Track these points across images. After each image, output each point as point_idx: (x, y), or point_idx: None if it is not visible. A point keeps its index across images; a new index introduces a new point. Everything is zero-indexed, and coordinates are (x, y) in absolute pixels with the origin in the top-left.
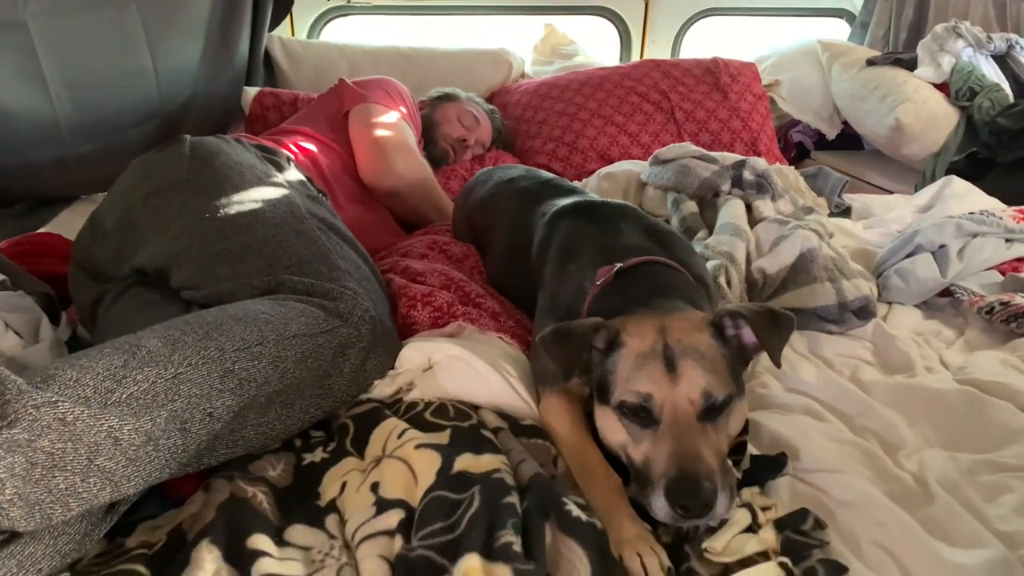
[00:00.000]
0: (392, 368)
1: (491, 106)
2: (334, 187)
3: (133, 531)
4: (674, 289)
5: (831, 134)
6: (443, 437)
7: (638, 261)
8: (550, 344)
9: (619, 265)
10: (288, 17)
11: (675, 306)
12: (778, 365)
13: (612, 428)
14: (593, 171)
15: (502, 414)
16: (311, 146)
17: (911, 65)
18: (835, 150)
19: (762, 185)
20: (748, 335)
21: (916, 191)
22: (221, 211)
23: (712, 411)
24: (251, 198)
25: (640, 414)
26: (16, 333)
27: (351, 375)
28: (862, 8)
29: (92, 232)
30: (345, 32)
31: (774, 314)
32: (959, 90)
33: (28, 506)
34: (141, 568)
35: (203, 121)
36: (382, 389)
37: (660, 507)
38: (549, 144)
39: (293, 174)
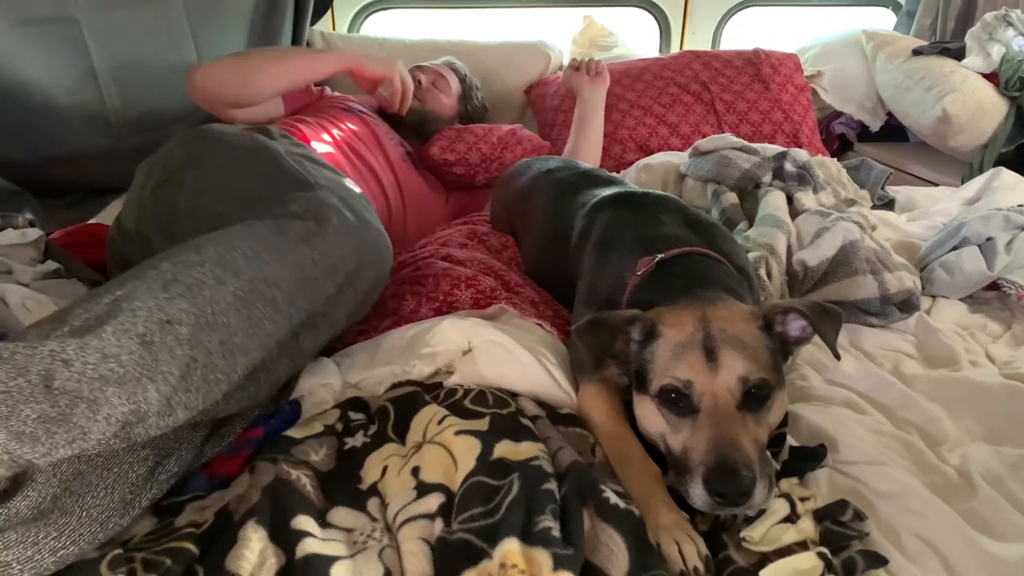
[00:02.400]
0: (381, 268)
1: (475, 79)
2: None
3: (182, 511)
4: (716, 279)
5: (875, 126)
6: (482, 424)
7: (679, 252)
8: (583, 334)
9: (660, 256)
10: (329, 11)
11: (717, 296)
12: (838, 357)
13: (651, 417)
14: (632, 162)
15: (540, 402)
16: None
17: (959, 55)
18: (879, 142)
19: (803, 177)
20: (794, 329)
21: (963, 183)
22: (218, 178)
23: (752, 401)
24: (243, 160)
25: (679, 402)
26: None
27: (327, 268)
28: None
29: (119, 234)
30: (385, 26)
31: (826, 308)
32: (1008, 80)
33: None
34: (190, 545)
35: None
36: (421, 369)
37: (698, 495)
38: None
39: (280, 136)
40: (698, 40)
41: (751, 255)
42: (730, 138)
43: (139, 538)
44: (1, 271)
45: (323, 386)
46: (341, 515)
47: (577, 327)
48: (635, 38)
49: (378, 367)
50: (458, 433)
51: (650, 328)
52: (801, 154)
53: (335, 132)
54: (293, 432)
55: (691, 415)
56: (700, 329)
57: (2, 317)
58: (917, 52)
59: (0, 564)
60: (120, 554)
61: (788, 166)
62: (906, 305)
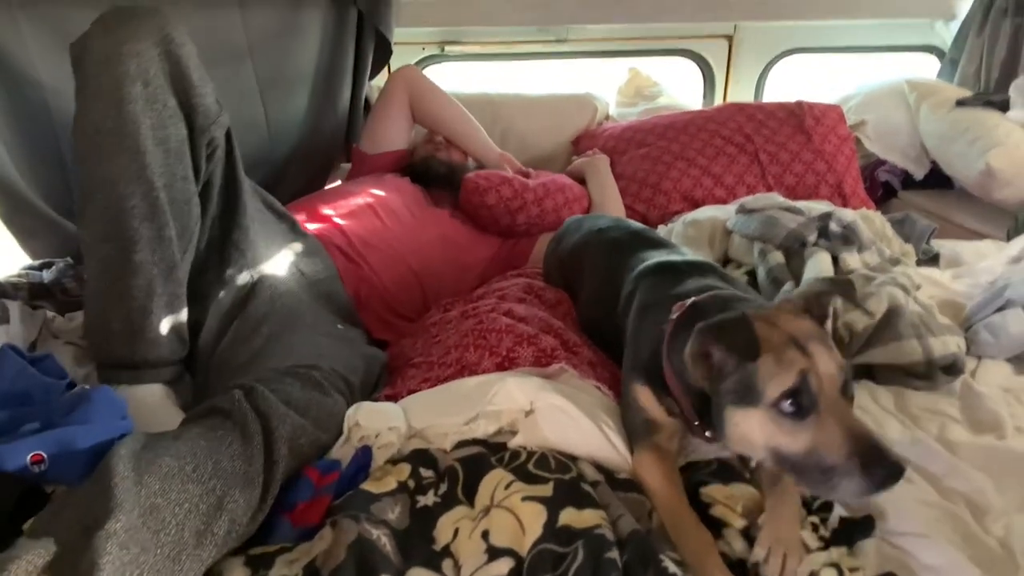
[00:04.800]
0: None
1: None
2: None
3: (273, 564)
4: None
5: (919, 174)
6: (547, 490)
7: (711, 294)
8: (714, 339)
9: (693, 299)
10: (386, 67)
11: (760, 306)
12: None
13: (764, 429)
14: (676, 212)
15: (598, 466)
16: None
17: (1003, 107)
18: (923, 189)
19: (848, 237)
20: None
21: (1008, 235)
22: None
23: (847, 387)
24: None
25: (801, 403)
26: None
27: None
28: (952, 45)
29: None
30: (439, 78)
31: (836, 281)
32: None
33: None
34: None
35: (306, 168)
36: (485, 427)
37: (857, 487)
38: (633, 185)
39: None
40: (742, 89)
41: None
42: (776, 198)
43: None
44: None
45: (390, 429)
46: (418, 575)
47: (702, 332)
48: (680, 88)
49: (443, 416)
50: (525, 499)
51: None
52: (846, 214)
53: (366, 200)
54: (370, 486)
55: (811, 414)
56: (782, 330)
57: None
58: (961, 103)
59: None
60: None
61: (833, 226)
62: (951, 369)
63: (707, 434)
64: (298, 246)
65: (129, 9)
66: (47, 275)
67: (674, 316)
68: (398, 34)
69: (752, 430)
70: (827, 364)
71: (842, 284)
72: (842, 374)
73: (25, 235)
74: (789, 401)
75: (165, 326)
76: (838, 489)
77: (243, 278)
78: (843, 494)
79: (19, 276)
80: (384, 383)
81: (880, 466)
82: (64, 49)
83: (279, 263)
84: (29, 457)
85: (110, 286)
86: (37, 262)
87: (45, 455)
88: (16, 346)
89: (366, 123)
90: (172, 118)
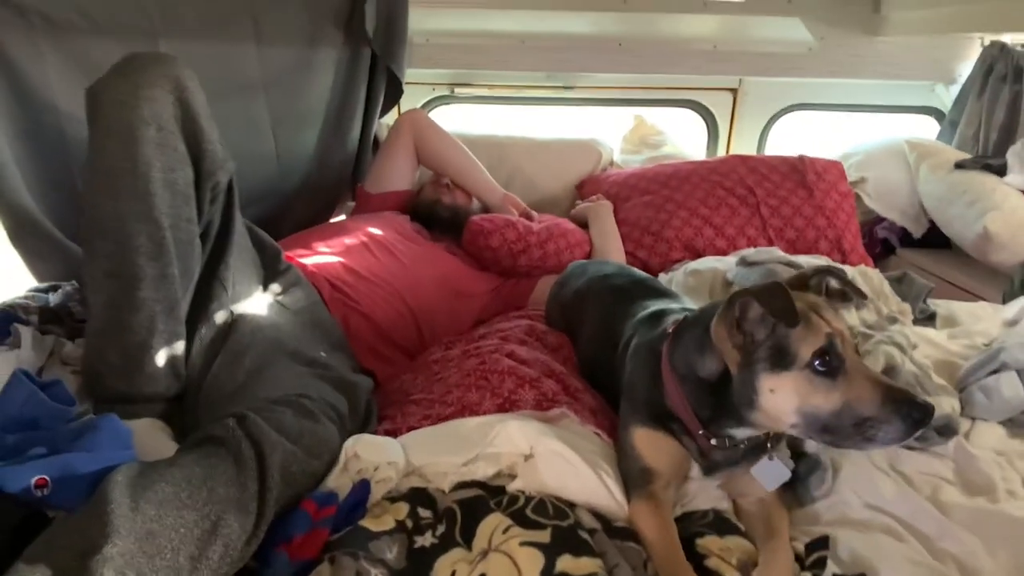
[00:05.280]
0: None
1: None
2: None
3: None
4: None
5: (917, 233)
6: (544, 536)
7: (706, 304)
8: (754, 303)
9: (687, 314)
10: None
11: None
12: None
13: (796, 392)
14: (677, 260)
15: (596, 513)
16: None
17: (1001, 170)
18: (922, 247)
19: (846, 294)
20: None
21: (1004, 298)
22: None
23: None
24: None
25: (831, 362)
26: None
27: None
28: (952, 107)
29: None
30: (446, 119)
31: (830, 267)
32: None
33: None
34: None
35: (313, 202)
36: (485, 469)
37: (894, 431)
38: (635, 232)
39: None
40: (745, 140)
41: None
42: (776, 252)
43: None
44: None
45: (389, 464)
46: None
47: (749, 294)
48: (684, 137)
49: (442, 455)
50: (522, 544)
51: None
52: (845, 271)
53: (361, 238)
54: (368, 523)
55: (838, 374)
56: (800, 300)
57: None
58: (960, 165)
59: None
60: None
61: (832, 282)
62: (945, 430)
63: (713, 441)
64: (279, 279)
65: (147, 55)
66: (53, 298)
67: (670, 329)
68: (409, 74)
69: (787, 393)
70: (843, 327)
71: (835, 269)
72: (852, 337)
73: (33, 257)
74: (819, 361)
75: (162, 362)
76: (876, 439)
77: (224, 313)
78: (883, 442)
79: (27, 298)
80: (375, 413)
81: (913, 408)
82: (83, 77)
83: (259, 297)
84: (34, 481)
85: (112, 321)
86: (44, 284)
87: (49, 479)
88: (27, 371)
89: (372, 163)
90: (181, 162)
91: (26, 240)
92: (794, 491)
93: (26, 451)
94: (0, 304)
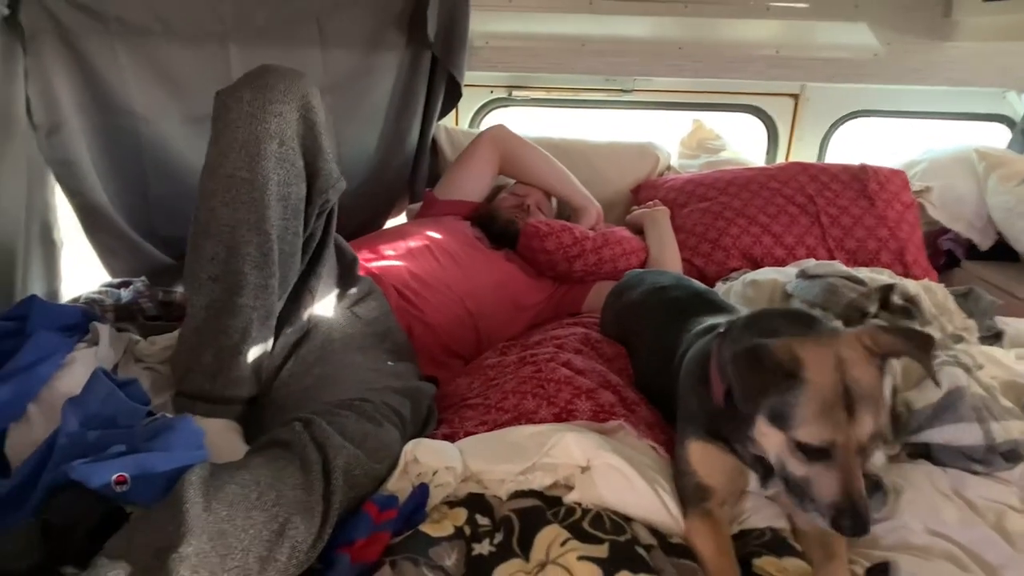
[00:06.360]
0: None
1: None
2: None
3: None
4: (809, 318)
5: (984, 245)
6: (602, 551)
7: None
8: (742, 366)
9: (733, 317)
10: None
11: (834, 329)
12: (938, 383)
13: (778, 449)
14: (734, 269)
15: (652, 529)
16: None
17: None
18: (988, 260)
19: (909, 311)
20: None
21: None
22: None
23: (872, 444)
24: None
25: (817, 457)
26: None
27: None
28: (1023, 115)
29: None
30: (504, 122)
31: (915, 334)
32: None
33: None
34: None
35: (371, 203)
36: (542, 480)
37: (820, 523)
38: (692, 239)
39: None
40: (806, 147)
41: None
42: (838, 266)
43: None
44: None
45: (447, 469)
46: None
47: (736, 356)
48: (743, 142)
49: (499, 463)
50: (580, 558)
51: (794, 368)
52: (909, 286)
53: (425, 242)
54: (428, 528)
55: (823, 460)
56: (840, 380)
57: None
58: None
59: None
60: None
61: (895, 299)
62: (1012, 455)
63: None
64: (354, 289)
65: (278, 69)
66: (125, 294)
67: (722, 330)
68: (467, 76)
69: (771, 445)
70: (863, 430)
71: (921, 339)
72: (872, 441)
73: (106, 253)
74: (807, 447)
75: (250, 368)
76: (808, 515)
77: (306, 322)
78: (809, 520)
79: (100, 294)
80: (435, 417)
81: (852, 524)
82: (156, 80)
83: (335, 307)
84: (114, 477)
85: (210, 322)
86: (116, 280)
87: (128, 476)
88: (105, 369)
89: (447, 170)
90: (297, 177)
91: (100, 236)
92: None
93: (105, 448)
94: (80, 301)
